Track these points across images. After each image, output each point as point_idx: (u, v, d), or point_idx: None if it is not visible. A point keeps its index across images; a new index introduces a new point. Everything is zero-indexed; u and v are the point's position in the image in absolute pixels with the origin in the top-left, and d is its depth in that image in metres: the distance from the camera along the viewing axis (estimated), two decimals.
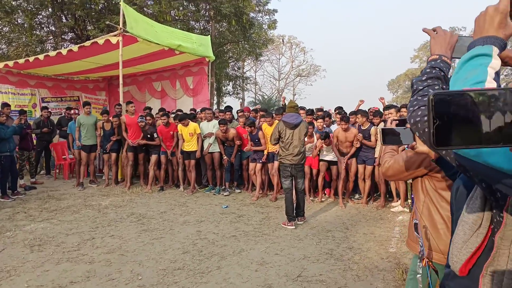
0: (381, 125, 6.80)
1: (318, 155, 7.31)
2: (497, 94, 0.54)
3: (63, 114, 10.46)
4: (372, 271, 4.02)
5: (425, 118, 1.06)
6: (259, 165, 7.50)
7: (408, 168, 2.01)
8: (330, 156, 7.22)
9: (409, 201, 6.43)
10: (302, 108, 8.82)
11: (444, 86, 1.15)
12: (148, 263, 4.18)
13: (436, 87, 1.13)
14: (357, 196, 7.50)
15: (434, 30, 1.27)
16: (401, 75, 50.47)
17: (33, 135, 9.14)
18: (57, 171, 9.83)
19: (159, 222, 5.78)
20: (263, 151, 7.43)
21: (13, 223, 5.72)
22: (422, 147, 1.77)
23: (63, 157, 9.62)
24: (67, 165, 9.53)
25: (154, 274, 3.89)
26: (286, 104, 7.00)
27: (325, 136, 6.96)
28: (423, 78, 1.16)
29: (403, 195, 6.63)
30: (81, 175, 8.45)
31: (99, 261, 4.22)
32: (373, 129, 6.82)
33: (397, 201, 6.92)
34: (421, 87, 1.15)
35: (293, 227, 5.57)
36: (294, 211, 5.76)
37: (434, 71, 1.16)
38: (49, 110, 10.07)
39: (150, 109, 9.88)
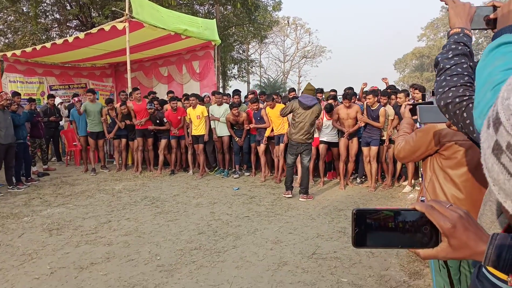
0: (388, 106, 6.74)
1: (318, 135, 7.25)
2: (401, 213, 0.70)
3: (71, 102, 10.53)
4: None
5: (457, 99, 1.04)
6: (262, 146, 7.54)
7: (419, 148, 2.01)
8: (329, 137, 7.10)
9: (420, 179, 6.44)
10: (321, 90, 8.67)
11: (471, 63, 1.11)
12: (165, 244, 4.27)
13: (464, 65, 1.10)
14: (358, 180, 7.29)
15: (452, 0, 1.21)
16: (408, 54, 49.93)
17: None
18: (68, 157, 9.95)
19: (172, 205, 5.87)
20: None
21: (30, 208, 5.84)
22: None
23: (73, 143, 9.73)
24: (78, 152, 9.63)
25: (172, 254, 3.98)
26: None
27: (330, 109, 6.87)
28: (450, 56, 1.12)
29: (411, 174, 6.63)
30: (92, 160, 8.57)
31: (117, 243, 4.32)
32: (382, 109, 6.62)
33: (404, 180, 6.94)
34: (448, 66, 1.11)
35: (290, 195, 6.19)
36: (292, 183, 6.33)
37: (460, 47, 1.12)
38: (55, 97, 10.10)
39: (154, 93, 9.89)
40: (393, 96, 6.94)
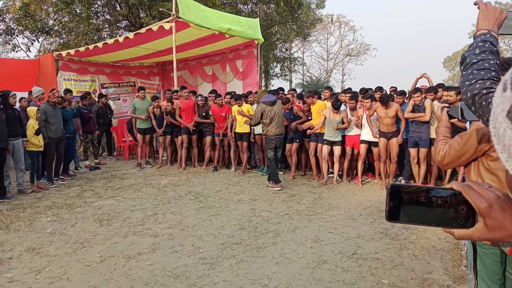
0: (436, 102, 6.50)
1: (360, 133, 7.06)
2: (435, 189, 0.69)
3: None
4: (429, 251, 3.99)
5: (484, 91, 1.05)
6: (295, 145, 7.55)
7: (466, 151, 1.91)
8: (370, 135, 6.82)
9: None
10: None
11: (498, 61, 1.14)
12: (207, 238, 4.41)
13: (491, 61, 1.12)
14: (403, 182, 6.89)
15: (485, 4, 1.24)
16: (458, 52, 47.67)
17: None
18: (118, 152, 10.42)
19: (215, 200, 6.03)
20: (301, 131, 7.44)
21: (82, 199, 6.20)
22: None
23: (123, 139, 10.17)
24: (127, 147, 10.07)
25: (214, 248, 4.10)
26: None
27: (338, 105, 6.76)
28: (477, 52, 1.15)
29: (448, 176, 6.40)
30: (139, 155, 8.91)
31: (162, 235, 4.51)
32: (427, 101, 6.34)
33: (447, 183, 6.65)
34: (475, 60, 1.13)
35: (280, 188, 6.62)
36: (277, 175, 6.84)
37: (486, 45, 1.15)
38: (106, 96, 10.51)
39: (195, 92, 10.05)
40: (444, 93, 6.65)
